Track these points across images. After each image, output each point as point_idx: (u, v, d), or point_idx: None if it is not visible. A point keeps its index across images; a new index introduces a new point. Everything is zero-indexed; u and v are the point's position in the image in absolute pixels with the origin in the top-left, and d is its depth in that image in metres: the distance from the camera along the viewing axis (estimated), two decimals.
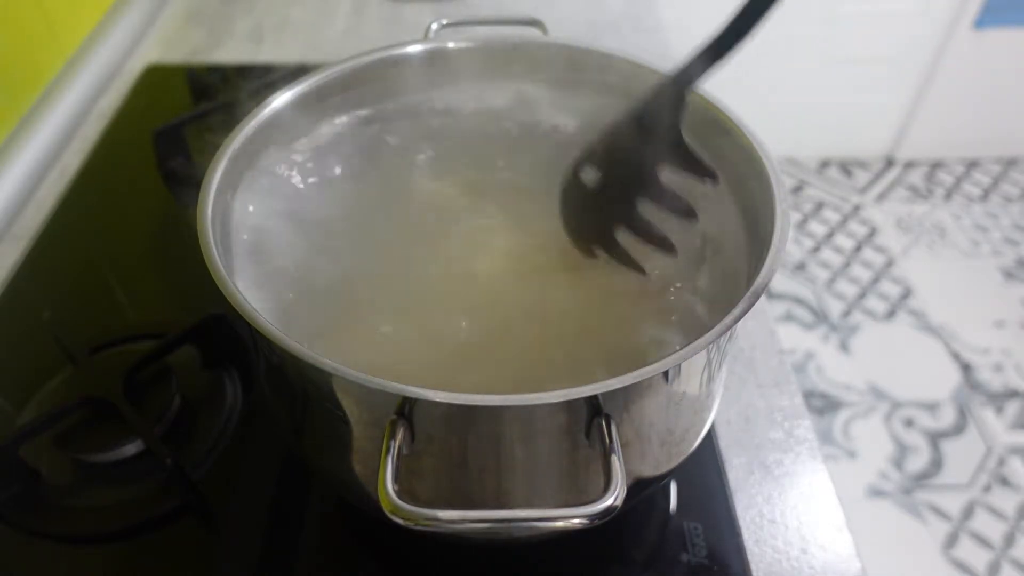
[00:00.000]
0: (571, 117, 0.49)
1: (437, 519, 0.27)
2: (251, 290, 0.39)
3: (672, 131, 0.38)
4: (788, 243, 0.34)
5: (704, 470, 0.47)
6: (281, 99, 0.44)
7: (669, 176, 0.40)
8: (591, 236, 0.41)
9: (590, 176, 0.41)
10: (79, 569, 0.43)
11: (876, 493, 1.31)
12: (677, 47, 0.87)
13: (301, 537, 0.44)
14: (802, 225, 1.84)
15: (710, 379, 0.37)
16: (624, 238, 0.40)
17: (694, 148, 0.39)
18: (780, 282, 1.69)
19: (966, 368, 1.51)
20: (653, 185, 0.39)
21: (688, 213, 0.40)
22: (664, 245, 0.40)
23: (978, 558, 1.22)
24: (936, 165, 2.00)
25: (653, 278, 0.40)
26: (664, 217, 0.41)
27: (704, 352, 0.31)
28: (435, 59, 0.49)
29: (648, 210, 0.40)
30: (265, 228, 0.42)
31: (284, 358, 0.34)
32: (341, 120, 0.48)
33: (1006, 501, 1.30)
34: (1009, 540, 1.25)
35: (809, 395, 1.46)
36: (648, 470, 0.37)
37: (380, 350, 0.37)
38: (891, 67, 1.80)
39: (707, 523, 0.45)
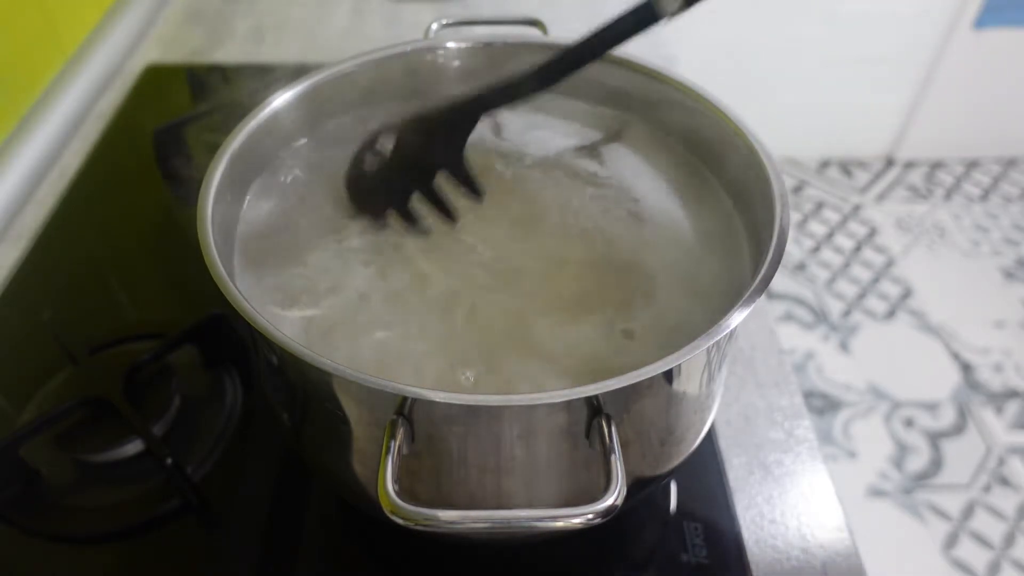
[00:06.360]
0: (570, 116, 0.50)
1: (437, 519, 0.27)
2: (251, 289, 0.39)
3: (457, 147, 0.39)
4: (788, 243, 0.34)
5: (704, 470, 0.47)
6: (281, 99, 0.44)
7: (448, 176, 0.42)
8: (381, 203, 0.42)
9: (380, 151, 0.42)
10: (79, 569, 0.43)
11: (876, 493, 1.31)
12: (676, 46, 0.87)
13: (301, 537, 0.44)
14: (802, 225, 1.84)
15: (710, 379, 0.37)
16: (418, 204, 0.42)
17: (469, 167, 0.42)
18: (780, 282, 1.69)
19: (966, 368, 1.51)
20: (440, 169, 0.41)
21: (476, 193, 0.42)
22: (472, 190, 0.42)
23: (978, 558, 1.22)
24: (936, 165, 2.00)
25: (652, 279, 0.40)
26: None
27: (704, 352, 0.31)
28: (435, 59, 0.49)
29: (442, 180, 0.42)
30: (265, 227, 0.42)
31: (284, 358, 0.34)
32: (341, 119, 0.48)
33: (1006, 501, 1.30)
34: (1009, 540, 1.25)
35: (809, 395, 1.46)
36: (648, 470, 0.37)
37: (380, 348, 0.37)
38: (891, 67, 1.80)
39: (707, 523, 0.45)
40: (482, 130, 0.49)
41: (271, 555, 0.43)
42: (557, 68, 0.38)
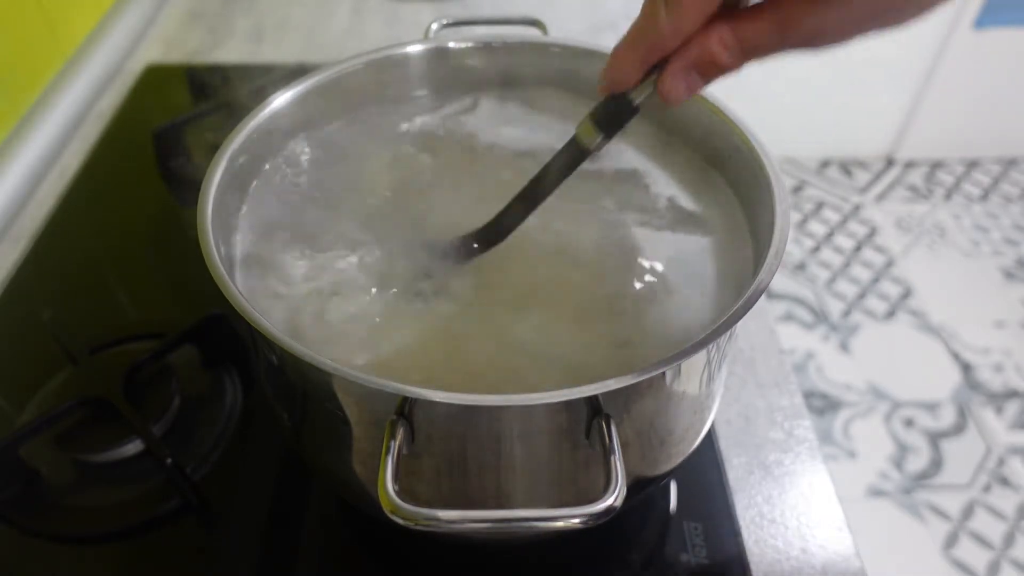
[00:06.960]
0: (571, 117, 0.49)
1: (437, 519, 0.27)
2: (251, 289, 0.39)
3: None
4: (788, 243, 0.34)
5: (704, 470, 0.47)
6: (281, 99, 0.44)
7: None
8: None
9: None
10: (79, 569, 0.43)
11: (876, 493, 1.31)
12: None
13: (301, 537, 0.44)
14: (802, 225, 1.84)
15: (710, 379, 0.37)
16: None
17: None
18: (780, 282, 1.69)
19: (966, 368, 1.51)
20: None
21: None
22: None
23: (978, 558, 1.22)
24: (936, 165, 2.00)
25: (651, 279, 0.40)
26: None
27: (704, 352, 0.31)
28: (435, 59, 0.49)
29: None
30: (265, 227, 0.42)
31: (284, 358, 0.34)
32: (340, 118, 0.48)
33: (1006, 501, 1.30)
34: (1009, 540, 1.25)
35: (809, 395, 1.46)
36: (648, 470, 0.37)
37: (379, 347, 0.37)
38: (891, 67, 1.80)
39: (707, 523, 0.45)
40: (486, 135, 0.49)
41: (271, 555, 0.43)
42: (507, 219, 0.39)
